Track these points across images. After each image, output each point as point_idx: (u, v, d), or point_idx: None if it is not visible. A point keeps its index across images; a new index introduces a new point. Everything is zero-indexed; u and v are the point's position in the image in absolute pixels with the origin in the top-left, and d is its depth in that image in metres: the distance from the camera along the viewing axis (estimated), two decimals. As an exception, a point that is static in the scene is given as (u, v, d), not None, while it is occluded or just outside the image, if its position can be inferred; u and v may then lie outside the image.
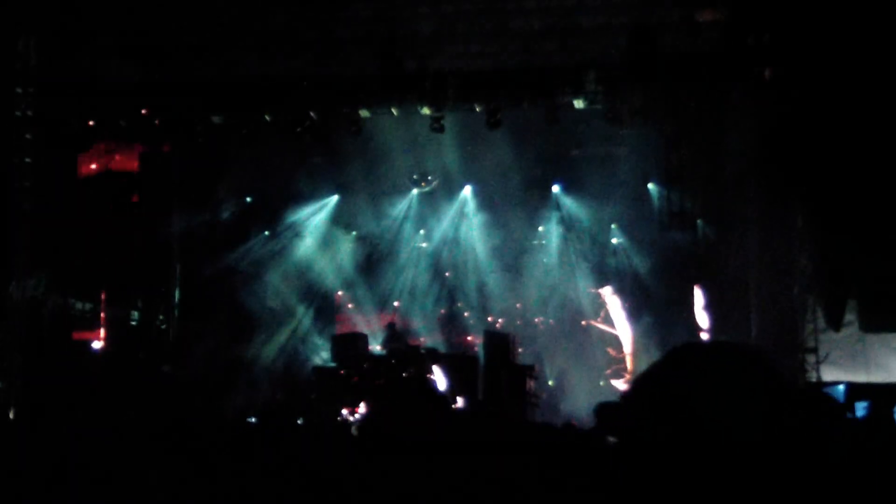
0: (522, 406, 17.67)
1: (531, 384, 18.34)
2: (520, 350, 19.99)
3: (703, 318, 18.36)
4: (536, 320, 21.73)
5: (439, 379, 17.75)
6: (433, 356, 18.73)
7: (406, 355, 18.59)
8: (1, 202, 16.00)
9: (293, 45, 18.11)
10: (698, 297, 18.48)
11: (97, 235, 18.12)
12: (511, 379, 17.93)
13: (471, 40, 17.64)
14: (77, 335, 17.41)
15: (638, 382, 2.22)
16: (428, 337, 20.55)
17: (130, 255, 19.09)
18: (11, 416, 14.12)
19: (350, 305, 21.50)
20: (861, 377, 14.07)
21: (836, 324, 15.19)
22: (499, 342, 18.83)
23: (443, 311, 21.73)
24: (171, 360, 19.04)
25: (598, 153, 19.81)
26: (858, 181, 14.35)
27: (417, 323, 20.75)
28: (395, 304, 21.71)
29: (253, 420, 14.76)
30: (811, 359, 14.82)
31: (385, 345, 19.40)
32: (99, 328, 17.77)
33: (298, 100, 18.85)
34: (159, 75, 18.49)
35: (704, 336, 18.21)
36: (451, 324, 21.50)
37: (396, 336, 19.60)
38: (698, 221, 19.01)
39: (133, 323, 19.31)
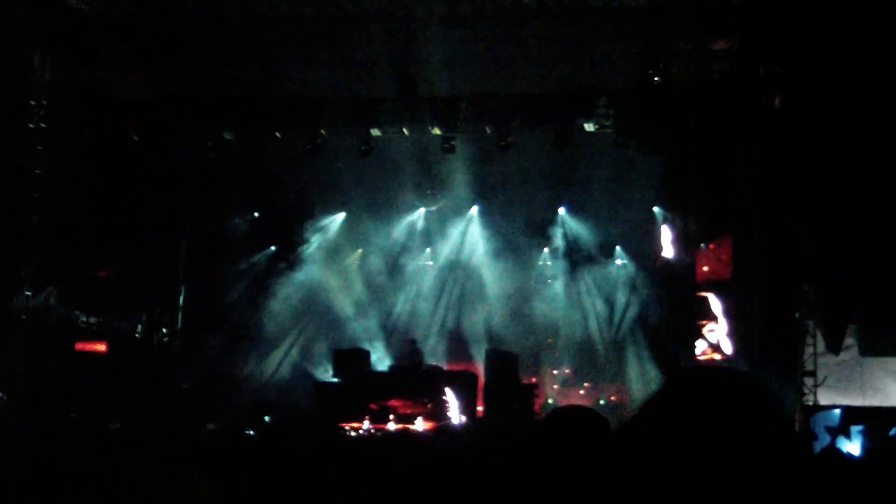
0: (528, 424, 17.79)
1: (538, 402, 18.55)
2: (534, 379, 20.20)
3: (720, 330, 18.52)
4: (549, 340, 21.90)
5: (451, 400, 17.93)
6: (436, 374, 18.91)
7: (413, 372, 18.75)
8: (10, 213, 16.20)
9: (307, 64, 18.41)
10: (714, 303, 18.65)
11: (104, 247, 18.32)
12: (516, 398, 18.07)
13: (484, 63, 17.89)
14: (80, 346, 17.57)
15: (645, 405, 2.31)
16: (430, 354, 20.64)
17: (136, 267, 19.27)
18: (14, 425, 14.28)
19: (354, 321, 21.60)
20: (857, 401, 14.28)
21: (836, 347, 15.36)
22: (503, 361, 18.97)
23: (446, 328, 21.82)
24: (175, 372, 19.23)
25: (605, 176, 20.00)
26: (862, 208, 14.53)
27: (420, 340, 20.84)
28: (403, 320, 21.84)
29: (251, 433, 14.93)
30: (809, 382, 14.93)
31: (402, 360, 19.50)
32: (103, 339, 17.93)
33: (310, 118, 19.11)
34: (173, 91, 18.82)
35: (710, 355, 18.45)
36: (455, 341, 21.61)
37: (414, 353, 19.67)
38: (701, 245, 19.22)
39: (137, 335, 19.48)
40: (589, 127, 18.80)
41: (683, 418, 2.19)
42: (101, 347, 17.75)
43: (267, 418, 17.97)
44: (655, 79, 17.30)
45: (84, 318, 17.95)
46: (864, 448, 12.99)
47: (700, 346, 18.97)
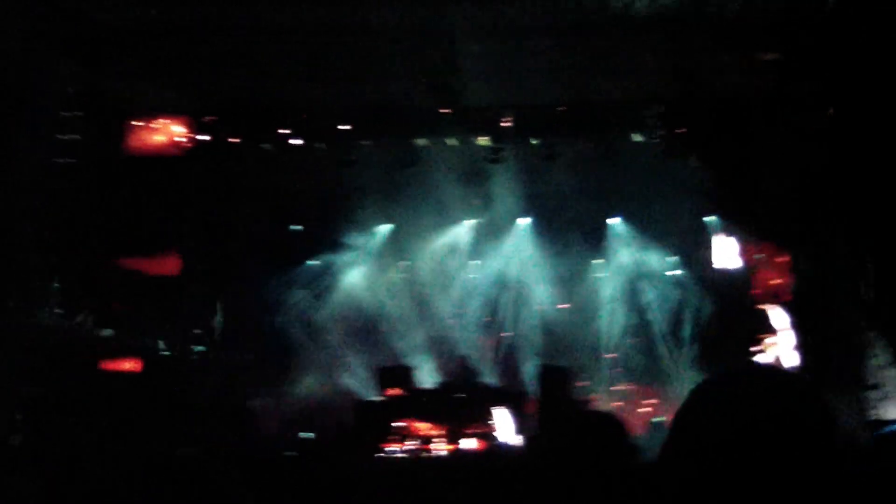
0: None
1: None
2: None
3: (782, 342, 18.22)
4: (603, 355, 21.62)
5: (501, 419, 17.70)
6: (485, 392, 18.68)
7: (461, 390, 18.52)
8: (32, 226, 16.13)
9: (348, 75, 18.34)
10: (775, 315, 18.33)
11: (130, 263, 18.23)
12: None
13: (528, 74, 17.76)
14: (104, 364, 17.43)
15: (686, 406, 2.22)
16: (479, 370, 20.39)
17: (164, 281, 19.15)
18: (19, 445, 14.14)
19: (397, 336, 21.42)
20: (924, 415, 13.91)
21: (900, 361, 15.03)
22: (556, 377, 18.68)
23: (494, 343, 21.58)
24: (208, 390, 19.00)
25: (657, 185, 19.75)
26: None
27: (469, 355, 20.59)
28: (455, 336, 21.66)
29: (292, 454, 14.76)
30: (874, 395, 14.62)
31: (451, 377, 19.32)
32: (130, 357, 17.78)
33: (350, 128, 19.10)
34: (206, 102, 18.83)
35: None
36: (504, 356, 21.37)
37: (465, 370, 19.48)
38: (757, 256, 18.96)
39: (164, 353, 19.34)
40: (637, 138, 18.74)
41: (724, 420, 2.11)
42: (129, 365, 17.61)
43: (310, 435, 17.83)
44: (702, 90, 17.18)
45: (108, 334, 17.83)
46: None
47: (762, 360, 18.67)
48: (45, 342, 15.47)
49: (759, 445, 2.03)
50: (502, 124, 19.05)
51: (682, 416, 2.20)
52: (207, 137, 19.21)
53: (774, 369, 2.15)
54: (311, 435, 17.84)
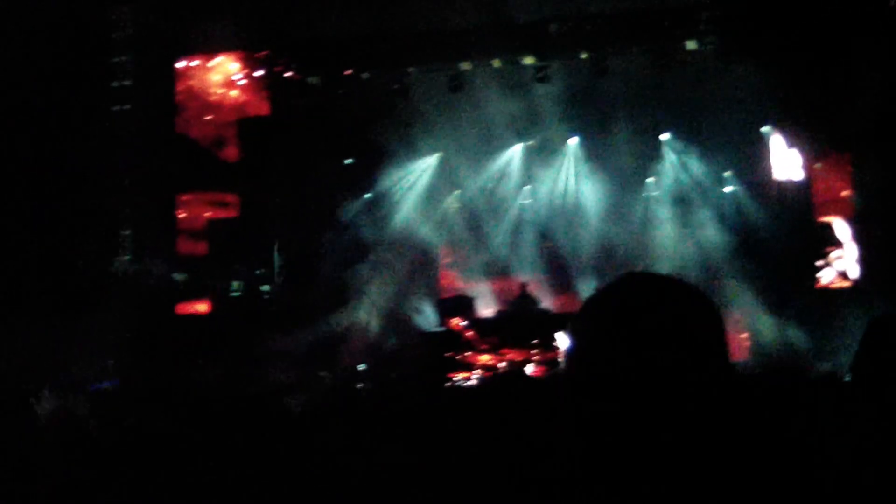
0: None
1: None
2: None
3: (847, 256, 18.06)
4: None
5: (562, 343, 17.85)
6: (544, 317, 18.81)
7: (521, 317, 18.64)
8: (102, 177, 16.42)
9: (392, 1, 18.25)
10: (839, 227, 18.14)
11: (195, 205, 18.47)
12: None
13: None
14: (181, 308, 17.79)
15: (586, 305, 2.27)
16: (537, 294, 20.44)
17: (229, 223, 19.34)
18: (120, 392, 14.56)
19: (454, 266, 21.48)
20: None
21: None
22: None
23: (551, 266, 21.55)
24: (275, 330, 19.36)
25: (711, 97, 19.41)
26: None
27: (527, 281, 20.63)
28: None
29: (360, 386, 15.10)
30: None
31: (511, 305, 19.44)
32: (203, 299, 18.14)
33: (396, 56, 19.00)
34: (255, 37, 18.84)
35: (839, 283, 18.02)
36: (561, 280, 21.35)
37: (525, 297, 19.58)
38: (817, 165, 18.68)
39: (235, 294, 19.62)
40: (691, 45, 18.37)
41: (615, 325, 2.15)
42: (203, 308, 18.00)
43: (363, 366, 18.12)
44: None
45: (182, 278, 18.15)
46: None
47: (827, 275, 18.49)
48: (132, 288, 15.89)
49: (649, 347, 2.07)
50: (549, 39, 18.80)
51: (575, 325, 2.25)
52: (260, 73, 19.28)
53: (661, 275, 2.22)
54: (364, 366, 18.14)
